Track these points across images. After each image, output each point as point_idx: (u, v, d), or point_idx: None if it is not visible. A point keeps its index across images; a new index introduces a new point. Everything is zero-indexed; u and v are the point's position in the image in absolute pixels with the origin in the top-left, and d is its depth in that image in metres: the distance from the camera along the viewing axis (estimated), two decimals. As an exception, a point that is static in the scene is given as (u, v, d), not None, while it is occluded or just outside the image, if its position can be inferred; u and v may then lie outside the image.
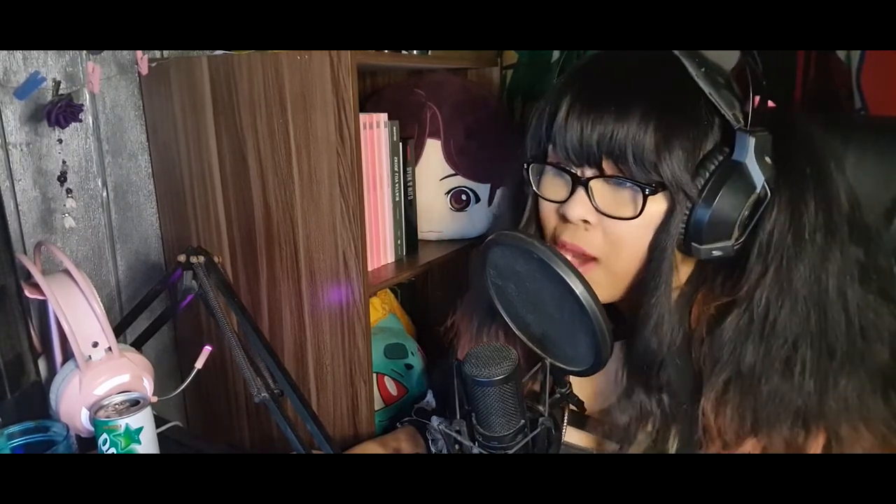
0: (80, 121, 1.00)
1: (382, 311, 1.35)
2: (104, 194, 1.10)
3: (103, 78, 1.07)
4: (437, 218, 1.24)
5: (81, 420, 0.78)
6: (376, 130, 1.07)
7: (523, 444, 0.63)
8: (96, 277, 1.11)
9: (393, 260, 1.16)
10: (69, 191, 1.04)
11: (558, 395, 0.71)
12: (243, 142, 1.04)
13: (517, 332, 0.71)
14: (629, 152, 0.65)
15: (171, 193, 1.16)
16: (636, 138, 0.65)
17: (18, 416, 0.77)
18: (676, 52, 0.67)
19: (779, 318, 0.65)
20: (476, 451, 0.65)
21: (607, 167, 0.68)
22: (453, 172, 1.22)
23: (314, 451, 0.82)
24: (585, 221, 0.69)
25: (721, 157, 0.66)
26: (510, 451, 0.63)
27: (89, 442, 0.79)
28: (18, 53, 0.96)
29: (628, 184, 0.67)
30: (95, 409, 0.77)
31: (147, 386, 0.82)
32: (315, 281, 1.04)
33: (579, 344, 0.64)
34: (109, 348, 0.80)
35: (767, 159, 0.66)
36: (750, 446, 0.66)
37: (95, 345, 0.79)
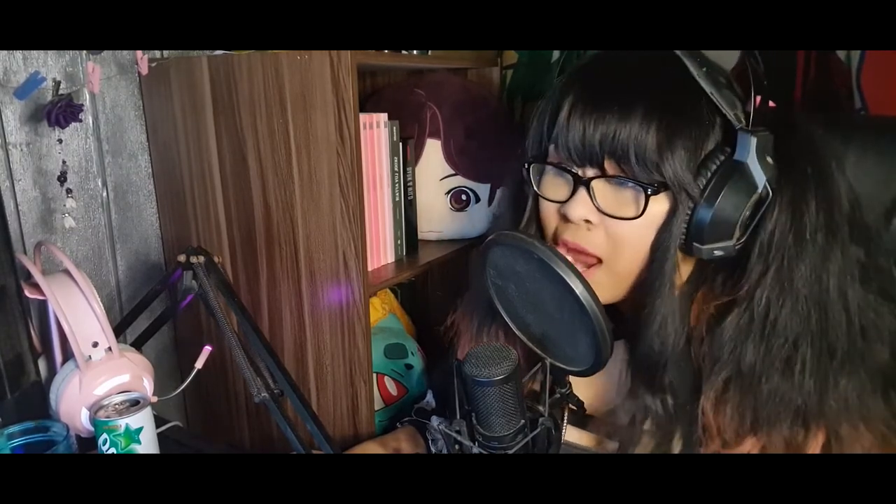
0: (80, 121, 1.00)
1: (382, 311, 1.34)
2: (104, 194, 1.10)
3: (103, 78, 1.07)
4: (437, 218, 1.24)
5: (81, 420, 0.78)
6: (376, 130, 1.07)
7: (523, 444, 0.63)
8: (96, 277, 1.11)
9: (393, 260, 1.16)
10: (69, 191, 1.04)
11: (558, 395, 0.71)
12: (243, 142, 1.04)
13: (517, 332, 0.71)
14: (631, 152, 0.65)
15: (171, 193, 1.16)
16: (638, 138, 0.65)
17: (18, 416, 0.76)
18: (678, 52, 0.67)
19: (779, 318, 0.65)
20: (476, 451, 0.65)
21: (609, 167, 0.68)
22: (453, 172, 1.22)
23: (314, 451, 0.82)
24: (587, 221, 0.69)
25: (723, 157, 0.66)
26: (510, 451, 0.63)
27: (89, 442, 0.79)
28: (18, 53, 0.96)
29: (630, 184, 0.67)
30: (95, 409, 0.77)
31: (147, 386, 0.82)
32: (315, 281, 1.04)
33: (579, 344, 0.64)
34: (109, 348, 0.80)
35: (769, 159, 0.66)
36: (749, 445, 0.66)
37: (95, 345, 0.79)
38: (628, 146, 0.65)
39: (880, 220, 0.79)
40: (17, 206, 0.98)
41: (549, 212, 0.74)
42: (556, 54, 1.41)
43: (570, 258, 0.71)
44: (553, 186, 0.73)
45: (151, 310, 0.99)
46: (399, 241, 1.16)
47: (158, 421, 0.89)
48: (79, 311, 0.79)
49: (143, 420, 0.77)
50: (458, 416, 0.66)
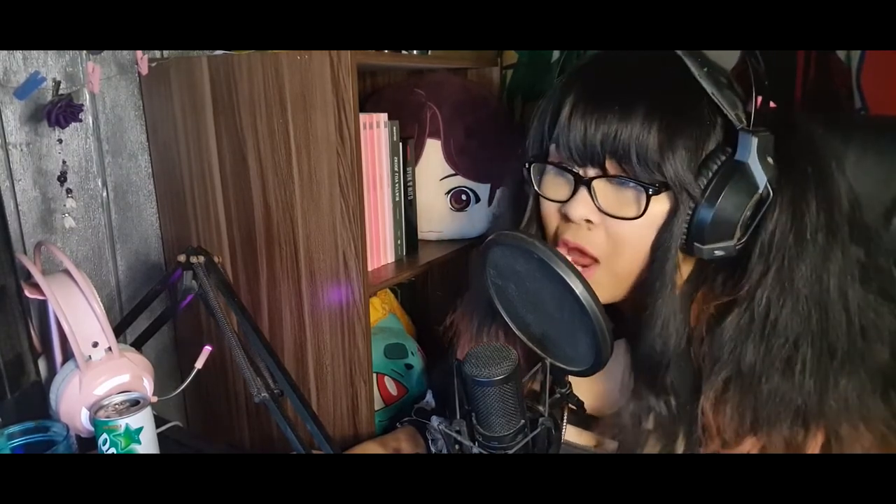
0: (80, 121, 1.00)
1: (382, 311, 1.34)
2: (104, 194, 1.10)
3: (103, 78, 1.07)
4: (437, 218, 1.24)
5: (81, 420, 0.78)
6: (376, 130, 1.07)
7: (523, 444, 0.63)
8: (96, 277, 1.11)
9: (393, 260, 1.16)
10: (69, 191, 1.04)
11: (558, 395, 0.71)
12: (243, 142, 1.04)
13: (517, 332, 0.71)
14: (633, 152, 0.65)
15: (171, 193, 1.16)
16: (640, 138, 0.65)
17: (18, 416, 0.76)
18: (679, 52, 0.67)
19: (780, 318, 0.65)
20: (476, 451, 0.65)
21: (610, 167, 0.68)
22: (453, 172, 1.22)
23: (314, 451, 0.82)
24: (588, 221, 0.69)
25: (724, 157, 0.66)
26: (510, 451, 0.63)
27: (89, 442, 0.79)
28: (18, 53, 0.96)
29: (631, 184, 0.67)
30: (95, 409, 0.77)
31: (147, 386, 0.82)
32: (315, 281, 1.04)
33: (579, 344, 0.64)
34: (109, 348, 0.80)
35: (769, 159, 0.66)
36: (749, 445, 0.66)
37: (95, 345, 0.79)
38: (629, 146, 0.65)
39: (880, 220, 0.79)
40: (17, 206, 0.98)
41: (549, 211, 0.74)
42: (556, 54, 1.41)
43: (571, 255, 0.71)
44: (554, 186, 0.73)
45: (151, 310, 0.99)
46: (399, 241, 1.16)
47: (158, 421, 0.89)
48: (79, 311, 0.79)
49: (143, 420, 0.77)
50: (458, 416, 0.66)
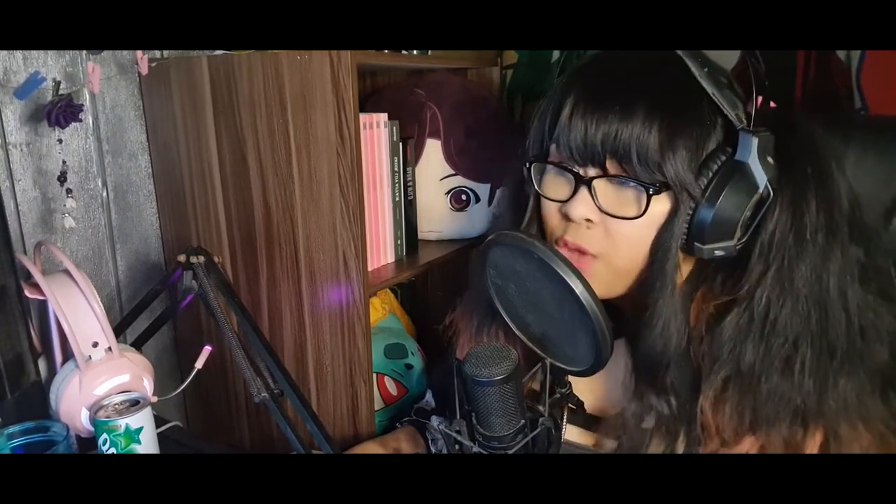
0: (80, 121, 1.00)
1: (382, 311, 1.35)
2: (104, 194, 1.10)
3: (103, 78, 1.07)
4: (437, 218, 1.24)
5: (81, 420, 0.78)
6: (376, 130, 1.07)
7: (523, 444, 0.63)
8: (96, 277, 1.11)
9: (393, 260, 1.16)
10: (69, 191, 1.04)
11: (558, 395, 0.71)
12: (243, 142, 1.04)
13: (517, 332, 0.71)
14: (633, 152, 0.65)
15: (171, 193, 1.16)
16: (640, 138, 0.65)
17: (18, 416, 0.76)
18: (679, 52, 0.67)
19: (779, 317, 0.65)
20: (476, 451, 0.65)
21: (611, 167, 0.68)
22: (453, 172, 1.22)
23: (314, 451, 0.82)
24: (588, 220, 0.70)
25: (724, 157, 0.66)
26: (510, 451, 0.63)
27: (89, 442, 0.79)
28: (18, 53, 0.96)
29: (632, 183, 0.67)
30: (95, 409, 0.77)
31: (147, 386, 0.82)
32: (315, 281, 1.04)
33: (579, 344, 0.64)
34: (109, 348, 0.80)
35: (770, 159, 0.66)
36: (748, 444, 0.66)
37: (95, 345, 0.79)
38: (630, 146, 0.65)
39: (880, 220, 0.79)
40: (17, 206, 0.98)
41: (550, 211, 0.74)
42: (556, 54, 1.41)
43: (572, 255, 0.71)
44: (554, 186, 0.73)
45: (151, 310, 0.99)
46: (399, 241, 1.16)
47: (158, 421, 0.89)
48: (79, 311, 0.79)
49: (143, 420, 0.77)
50: (458, 416, 0.66)
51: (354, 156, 0.95)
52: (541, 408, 0.66)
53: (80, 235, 1.08)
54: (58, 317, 0.77)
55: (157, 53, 1.11)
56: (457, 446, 0.66)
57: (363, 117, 1.01)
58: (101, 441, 0.76)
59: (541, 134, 0.74)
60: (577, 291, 0.61)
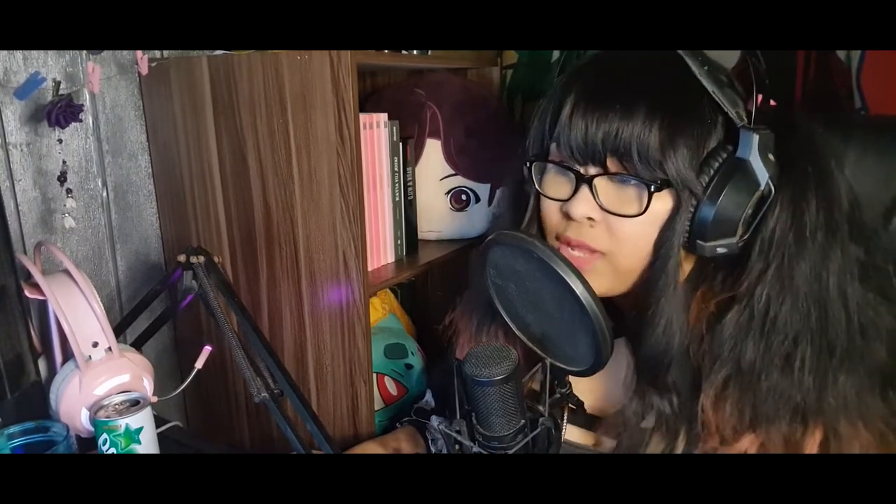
0: (80, 121, 1.00)
1: (382, 311, 1.34)
2: (104, 194, 1.10)
3: (103, 78, 1.07)
4: (437, 218, 1.24)
5: (81, 420, 0.78)
6: (376, 130, 1.07)
7: (523, 444, 0.63)
8: (96, 277, 1.11)
9: (393, 260, 1.16)
10: (69, 191, 1.04)
11: (558, 395, 0.71)
12: (243, 142, 1.04)
13: (517, 331, 0.71)
14: (634, 150, 0.65)
15: (171, 193, 1.16)
16: (641, 136, 0.65)
17: (18, 416, 0.76)
18: (679, 51, 0.67)
19: (779, 315, 0.65)
20: (476, 451, 0.65)
21: (611, 165, 0.68)
22: (453, 172, 1.22)
23: (314, 451, 0.82)
24: (590, 219, 0.70)
25: (725, 155, 0.66)
26: (510, 451, 0.63)
27: (89, 442, 0.79)
28: (18, 53, 0.96)
29: (633, 181, 0.67)
30: (95, 409, 0.77)
31: (147, 386, 0.82)
32: (315, 281, 1.04)
33: (579, 344, 0.64)
34: (109, 348, 0.80)
35: (771, 156, 0.66)
36: (748, 442, 0.66)
37: (95, 345, 0.79)
38: (631, 144, 0.65)
39: (879, 220, 0.79)
40: (17, 206, 0.98)
41: (551, 210, 0.74)
42: (556, 54, 1.41)
43: (574, 252, 0.71)
44: (555, 185, 0.73)
45: (151, 310, 0.99)
46: (399, 241, 1.16)
47: (158, 421, 0.89)
48: (79, 311, 0.79)
49: (143, 420, 0.77)
50: (458, 416, 0.66)
51: (354, 156, 0.95)
52: (541, 408, 0.66)
53: (80, 235, 1.08)
54: (58, 317, 0.77)
55: (157, 53, 1.11)
56: (457, 446, 0.66)
57: (363, 117, 1.01)
58: (101, 441, 0.76)
59: (541, 133, 0.74)
60: (577, 291, 0.61)
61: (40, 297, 0.78)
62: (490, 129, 1.24)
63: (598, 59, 0.73)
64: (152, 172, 1.17)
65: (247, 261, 1.10)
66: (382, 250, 1.14)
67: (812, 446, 0.65)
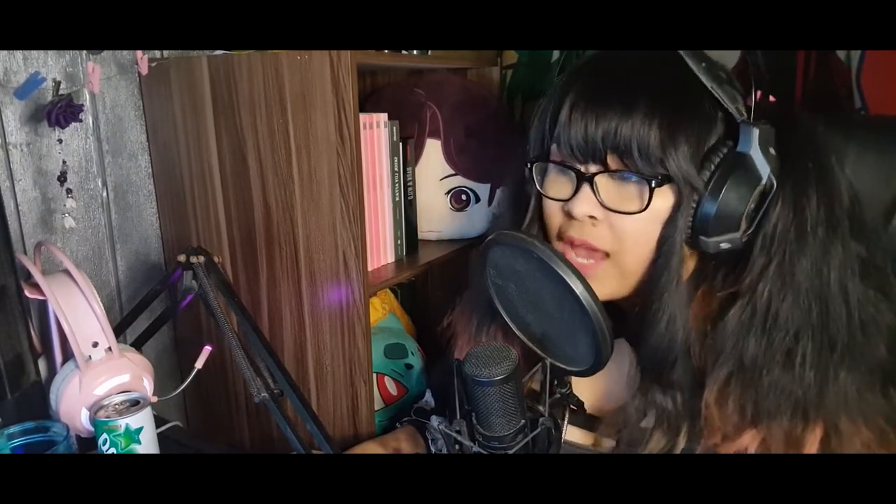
0: (80, 121, 1.00)
1: (382, 311, 1.34)
2: (104, 194, 1.10)
3: (103, 78, 1.07)
4: (437, 218, 1.24)
5: (81, 420, 0.78)
6: (376, 130, 1.07)
7: (523, 444, 0.63)
8: (96, 277, 1.11)
9: (393, 260, 1.16)
10: (69, 191, 1.04)
11: (558, 395, 0.71)
12: (243, 142, 1.04)
13: (517, 331, 0.71)
14: (634, 147, 0.65)
15: (171, 193, 1.16)
16: (641, 132, 0.65)
17: (18, 416, 0.76)
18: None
19: (781, 311, 0.65)
20: (476, 451, 0.65)
21: (612, 162, 0.68)
22: (453, 172, 1.22)
23: (314, 451, 0.82)
24: (592, 217, 0.70)
25: (726, 150, 0.67)
26: (510, 451, 0.63)
27: (89, 442, 0.79)
28: (18, 53, 0.96)
29: (634, 178, 0.67)
30: (95, 409, 0.77)
31: (147, 386, 0.82)
32: (315, 281, 1.04)
33: (579, 344, 0.64)
34: (109, 348, 0.80)
35: (772, 150, 0.66)
36: (749, 438, 0.66)
37: (95, 345, 0.79)
38: (631, 141, 0.65)
39: (879, 220, 0.79)
40: (17, 206, 0.98)
41: (552, 210, 0.74)
42: (556, 54, 1.41)
43: (577, 252, 0.71)
44: (556, 185, 0.73)
45: (151, 310, 0.99)
46: (399, 241, 1.16)
47: (158, 421, 0.89)
48: (79, 311, 0.79)
49: (143, 420, 0.77)
50: (458, 416, 0.66)
51: (354, 156, 0.95)
52: (541, 408, 0.66)
53: (80, 235, 1.08)
54: (58, 317, 0.77)
55: (157, 53, 1.11)
56: (457, 446, 0.66)
57: (363, 117, 1.01)
58: (101, 441, 0.76)
59: (541, 133, 0.74)
60: (577, 291, 0.61)
61: (40, 297, 0.78)
62: (490, 129, 1.24)
63: (597, 59, 0.73)
64: (152, 172, 1.17)
65: (247, 261, 1.10)
66: (382, 250, 1.14)
67: (813, 443, 0.65)
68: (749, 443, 0.66)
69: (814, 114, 0.74)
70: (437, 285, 1.53)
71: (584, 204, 0.69)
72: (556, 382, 0.71)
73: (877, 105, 1.11)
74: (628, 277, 0.72)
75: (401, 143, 1.13)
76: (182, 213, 1.15)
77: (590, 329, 0.62)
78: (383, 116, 1.09)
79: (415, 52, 1.19)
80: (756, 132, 0.65)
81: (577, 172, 0.70)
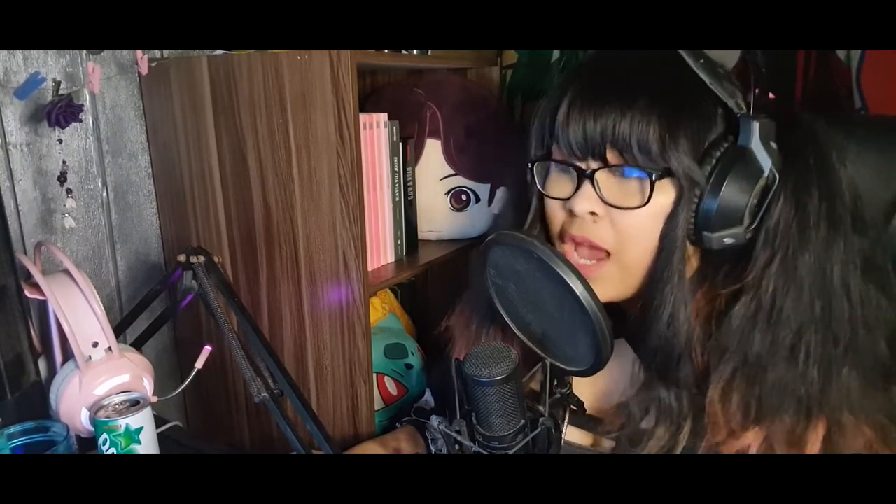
0: (80, 121, 1.00)
1: (382, 311, 1.34)
2: (104, 194, 1.10)
3: (103, 78, 1.07)
4: (437, 218, 1.24)
5: (81, 420, 0.78)
6: (376, 130, 1.07)
7: (523, 444, 0.63)
8: (96, 277, 1.11)
9: (393, 260, 1.16)
10: (69, 191, 1.04)
11: (558, 395, 0.71)
12: (243, 142, 1.04)
13: (517, 332, 0.71)
14: (633, 142, 0.65)
15: (171, 193, 1.16)
16: (639, 128, 0.65)
17: (18, 416, 0.76)
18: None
19: (784, 307, 0.65)
20: (476, 451, 0.65)
21: (612, 157, 0.68)
22: (453, 172, 1.22)
23: (314, 451, 0.82)
24: (593, 213, 0.70)
25: (726, 145, 0.67)
26: (510, 451, 0.63)
27: (89, 442, 0.79)
28: (18, 53, 0.96)
29: (635, 173, 0.67)
30: (95, 409, 0.77)
31: (147, 386, 0.82)
32: (315, 281, 1.04)
33: (579, 344, 0.64)
34: (109, 348, 0.80)
35: (773, 144, 0.66)
36: (752, 434, 0.66)
37: (95, 345, 0.79)
38: (630, 135, 0.65)
39: (879, 220, 0.79)
40: (17, 206, 0.98)
41: (554, 209, 0.74)
42: (556, 54, 1.41)
43: (579, 253, 0.71)
44: (557, 183, 0.73)
45: (151, 310, 0.99)
46: (399, 241, 1.16)
47: (158, 421, 0.89)
48: (79, 311, 0.79)
49: (143, 420, 0.77)
50: (458, 416, 0.66)
51: (354, 156, 0.95)
52: (541, 408, 0.66)
53: (80, 235, 1.08)
54: (58, 317, 0.77)
55: (157, 53, 1.11)
56: (457, 446, 0.66)
57: (363, 117, 1.01)
58: (101, 441, 0.76)
59: (542, 133, 0.74)
60: (577, 291, 0.61)
61: (40, 297, 0.78)
62: (490, 129, 1.24)
63: (597, 58, 0.73)
64: (152, 172, 1.17)
65: (247, 261, 1.10)
66: (382, 250, 1.14)
67: (815, 439, 0.65)
68: (753, 439, 0.66)
69: (814, 113, 0.74)
70: (437, 285, 1.53)
71: (585, 200, 0.69)
72: (556, 382, 0.71)
73: (877, 105, 1.11)
74: (630, 277, 0.72)
75: (401, 143, 1.13)
76: (182, 213, 1.15)
77: (590, 329, 0.62)
78: (383, 116, 1.09)
79: (415, 52, 1.19)
80: (756, 125, 0.65)
81: (578, 170, 0.70)
